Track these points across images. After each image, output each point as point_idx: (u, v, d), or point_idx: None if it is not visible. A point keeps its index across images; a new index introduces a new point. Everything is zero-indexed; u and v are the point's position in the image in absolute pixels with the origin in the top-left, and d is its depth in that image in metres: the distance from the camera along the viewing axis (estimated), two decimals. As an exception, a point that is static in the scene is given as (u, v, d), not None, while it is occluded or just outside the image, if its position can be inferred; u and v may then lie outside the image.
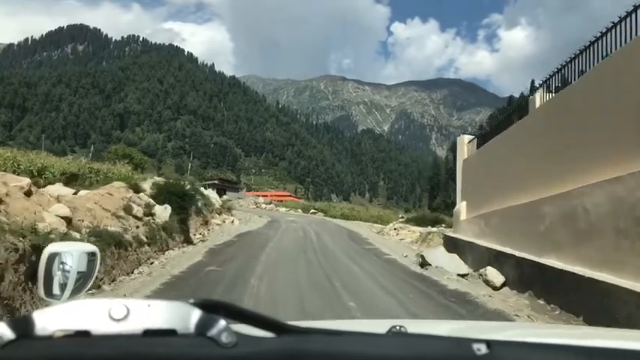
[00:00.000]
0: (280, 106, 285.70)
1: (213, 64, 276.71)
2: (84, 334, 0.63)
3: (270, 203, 57.79)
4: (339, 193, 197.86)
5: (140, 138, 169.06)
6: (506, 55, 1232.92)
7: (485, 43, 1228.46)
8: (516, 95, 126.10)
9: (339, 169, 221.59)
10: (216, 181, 76.34)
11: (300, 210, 51.87)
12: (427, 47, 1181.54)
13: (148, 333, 0.64)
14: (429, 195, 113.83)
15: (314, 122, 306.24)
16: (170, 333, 0.65)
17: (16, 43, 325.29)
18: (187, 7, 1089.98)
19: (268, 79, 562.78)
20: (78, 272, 1.31)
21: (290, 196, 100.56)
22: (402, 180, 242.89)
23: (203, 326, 0.66)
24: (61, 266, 1.29)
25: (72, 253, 1.32)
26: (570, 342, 1.18)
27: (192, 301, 0.70)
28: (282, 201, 66.94)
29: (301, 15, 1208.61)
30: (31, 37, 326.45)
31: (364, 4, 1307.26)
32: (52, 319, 0.64)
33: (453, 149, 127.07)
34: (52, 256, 1.30)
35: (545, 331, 1.96)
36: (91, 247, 1.42)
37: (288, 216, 39.12)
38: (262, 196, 76.40)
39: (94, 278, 1.37)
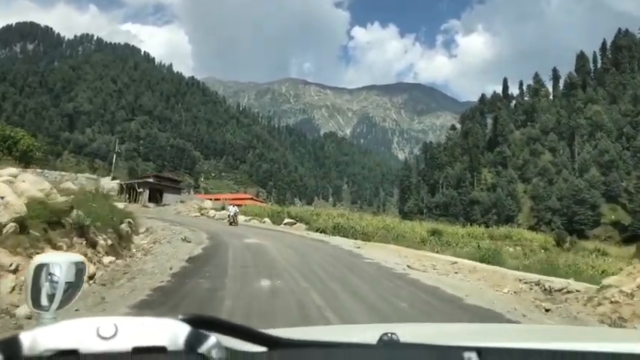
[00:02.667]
0: (241, 108, 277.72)
1: (171, 64, 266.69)
2: (72, 354, 0.62)
3: (223, 209, 40.09)
4: (302, 197, 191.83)
5: (90, 139, 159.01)
6: (463, 61, 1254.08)
7: (443, 49, 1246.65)
8: (472, 100, 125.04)
9: (301, 172, 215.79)
10: (150, 179, 58.55)
11: (267, 219, 35.37)
12: (387, 52, 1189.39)
13: (138, 350, 0.63)
14: (399, 198, 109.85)
15: (276, 125, 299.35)
16: (160, 350, 0.64)
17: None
18: (146, 9, 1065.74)
19: (229, 81, 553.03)
20: (66, 283, 1.29)
21: (252, 198, 76.10)
22: (365, 183, 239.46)
23: (193, 343, 0.65)
24: (49, 277, 1.28)
25: (60, 264, 1.30)
26: (564, 346, 1.15)
27: (181, 317, 0.69)
28: (241, 205, 48.21)
29: (262, 18, 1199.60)
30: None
31: (324, 8, 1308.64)
32: (40, 338, 0.63)
33: (425, 150, 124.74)
34: (40, 267, 1.28)
35: (540, 334, 1.94)
36: (79, 257, 1.40)
37: (250, 232, 23.14)
38: (215, 199, 56.37)
39: (82, 288, 1.37)
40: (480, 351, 0.74)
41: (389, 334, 0.90)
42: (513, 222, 76.01)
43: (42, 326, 0.66)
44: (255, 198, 79.91)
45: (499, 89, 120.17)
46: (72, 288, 1.32)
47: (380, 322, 9.55)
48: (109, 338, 0.63)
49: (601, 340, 1.57)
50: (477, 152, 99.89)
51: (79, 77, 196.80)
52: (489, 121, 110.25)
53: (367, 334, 1.07)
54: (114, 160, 71.25)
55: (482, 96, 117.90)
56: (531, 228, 62.97)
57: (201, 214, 38.17)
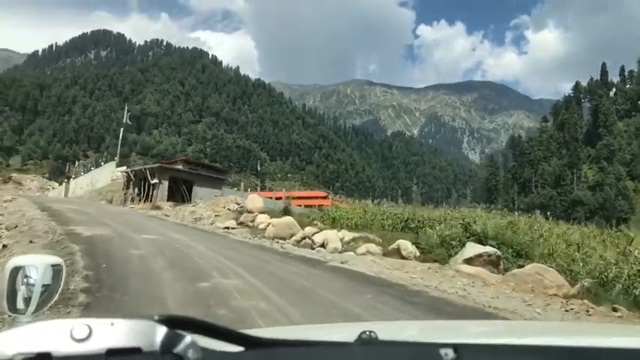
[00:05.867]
0: (307, 109, 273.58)
1: (237, 66, 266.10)
2: (45, 357, 0.61)
3: (287, 213, 20.81)
4: (370, 198, 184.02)
5: (157, 141, 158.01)
6: (534, 57, 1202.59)
7: (512, 46, 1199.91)
8: (546, 97, 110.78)
9: (369, 173, 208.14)
10: (178, 165, 40.39)
11: (406, 243, 12.23)
12: (454, 50, 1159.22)
13: (112, 352, 0.62)
14: (486, 198, 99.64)
15: (342, 126, 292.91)
16: (135, 351, 0.63)
17: (40, 50, 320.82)
18: (214, 16, 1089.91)
19: (294, 85, 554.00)
20: (43, 285, 1.26)
21: (327, 197, 46.80)
22: (436, 184, 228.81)
23: (168, 343, 0.63)
24: (25, 280, 1.24)
25: (36, 266, 1.27)
26: (541, 342, 1.14)
27: (156, 317, 0.67)
28: (312, 206, 30.37)
29: (326, 21, 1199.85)
30: (55, 43, 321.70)
31: (389, 8, 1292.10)
32: (12, 341, 0.62)
33: (513, 145, 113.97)
34: (15, 270, 1.25)
35: (517, 329, 1.92)
36: (56, 259, 1.37)
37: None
38: (275, 197, 31.73)
39: (59, 291, 1.34)
40: (456, 347, 0.75)
41: (367, 333, 0.89)
42: (626, 224, 64.86)
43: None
44: (336, 198, 51.01)
45: (572, 85, 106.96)
46: (49, 290, 1.28)
47: None
48: (83, 340, 0.62)
49: (585, 335, 1.57)
50: (576, 146, 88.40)
51: (147, 80, 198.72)
52: (585, 112, 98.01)
53: (346, 332, 1.04)
54: (120, 138, 55.34)
55: (577, 84, 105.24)
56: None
57: (240, 224, 19.28)
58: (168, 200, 31.33)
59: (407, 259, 11.47)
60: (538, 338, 1.34)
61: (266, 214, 19.69)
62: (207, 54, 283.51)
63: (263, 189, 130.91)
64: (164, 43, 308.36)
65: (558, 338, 1.33)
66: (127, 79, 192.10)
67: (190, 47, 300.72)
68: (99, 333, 0.63)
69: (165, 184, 33.98)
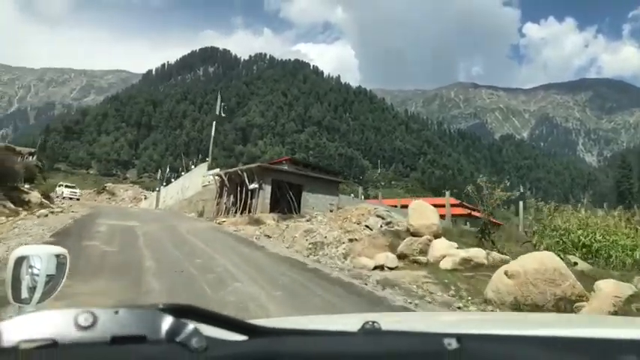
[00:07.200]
0: (409, 114, 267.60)
1: (338, 75, 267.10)
2: (50, 344, 0.61)
3: (483, 235, 13.18)
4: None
5: (263, 151, 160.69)
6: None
7: (631, 39, 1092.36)
8: None
9: (478, 178, 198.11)
10: (283, 166, 32.80)
11: None
12: (564, 47, 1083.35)
13: (116, 340, 0.63)
14: (618, 203, 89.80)
15: (446, 130, 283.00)
16: (139, 339, 0.64)
17: (153, 69, 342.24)
18: (315, 28, 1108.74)
19: (395, 90, 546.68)
20: (47, 275, 1.28)
21: (463, 205, 31.52)
22: (551, 189, 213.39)
23: (172, 331, 0.64)
24: (29, 270, 1.26)
25: (40, 256, 1.28)
26: (543, 333, 1.16)
27: (161, 306, 0.68)
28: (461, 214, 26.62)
29: (426, 24, 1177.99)
30: (167, 62, 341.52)
31: (492, 8, 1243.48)
32: (18, 329, 0.63)
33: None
34: (20, 260, 1.26)
35: (519, 321, 1.97)
36: (60, 250, 1.38)
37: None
38: (403, 206, 25.26)
39: (64, 280, 1.34)
40: (459, 337, 0.75)
41: (371, 323, 0.90)
42: None
43: None
44: (471, 207, 30.67)
45: None
46: (53, 281, 1.30)
47: None
48: (87, 328, 0.62)
49: (586, 326, 1.58)
50: None
51: (251, 92, 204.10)
52: None
53: (349, 322, 1.07)
54: (212, 135, 46.01)
55: None
56: None
57: (401, 258, 11.31)
58: (271, 211, 24.78)
59: None
60: (540, 329, 1.37)
61: (443, 238, 12.06)
62: (308, 65, 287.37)
63: (367, 197, 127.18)
64: (267, 56, 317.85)
65: (560, 329, 1.36)
66: (233, 93, 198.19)
67: (292, 59, 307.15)
68: (103, 321, 0.63)
69: (268, 189, 26.04)
